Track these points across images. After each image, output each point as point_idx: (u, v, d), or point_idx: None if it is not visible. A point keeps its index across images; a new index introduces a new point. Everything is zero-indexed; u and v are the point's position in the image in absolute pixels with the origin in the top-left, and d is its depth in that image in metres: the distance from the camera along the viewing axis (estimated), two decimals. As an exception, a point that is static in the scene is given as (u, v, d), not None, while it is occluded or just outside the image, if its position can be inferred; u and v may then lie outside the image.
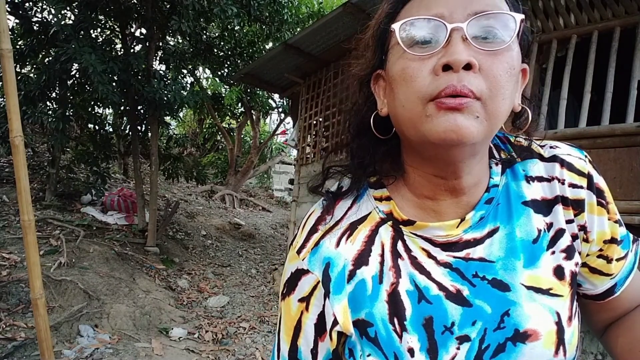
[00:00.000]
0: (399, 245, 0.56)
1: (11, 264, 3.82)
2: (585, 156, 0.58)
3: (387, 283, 0.55)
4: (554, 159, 0.57)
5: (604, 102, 2.88)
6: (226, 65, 7.92)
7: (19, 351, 2.89)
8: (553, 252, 0.54)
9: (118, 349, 3.17)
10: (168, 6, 5.46)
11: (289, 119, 10.08)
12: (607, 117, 2.84)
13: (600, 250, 0.57)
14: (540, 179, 0.57)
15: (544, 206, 0.56)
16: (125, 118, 6.70)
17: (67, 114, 5.19)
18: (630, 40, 2.91)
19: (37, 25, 5.05)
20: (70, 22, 4.84)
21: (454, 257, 0.55)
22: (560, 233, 0.55)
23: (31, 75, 5.17)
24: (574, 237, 0.56)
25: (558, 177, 0.56)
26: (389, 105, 0.54)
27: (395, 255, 0.56)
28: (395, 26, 0.50)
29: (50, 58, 5.10)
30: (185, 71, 8.29)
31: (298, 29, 7.37)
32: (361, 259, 0.56)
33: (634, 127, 2.66)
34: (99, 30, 5.92)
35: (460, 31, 0.46)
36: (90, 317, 3.52)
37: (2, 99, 6.00)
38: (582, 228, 0.56)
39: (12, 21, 5.33)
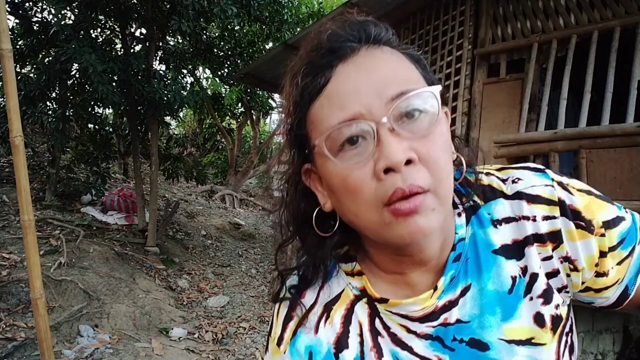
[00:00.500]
0: (377, 322, 0.55)
1: (11, 264, 3.82)
2: (552, 180, 0.53)
3: None
4: (518, 195, 0.53)
5: (604, 102, 2.88)
6: (226, 65, 7.92)
7: (19, 351, 2.89)
8: (531, 299, 0.52)
9: (118, 349, 3.17)
10: (168, 6, 5.45)
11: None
12: (607, 117, 2.84)
13: (596, 272, 0.53)
14: (507, 220, 0.53)
15: (516, 249, 0.53)
16: (125, 118, 6.70)
17: (67, 114, 5.19)
18: (630, 40, 2.91)
19: (37, 25, 5.05)
20: (70, 22, 4.84)
21: (433, 326, 0.53)
22: (534, 277, 0.52)
23: (31, 75, 5.17)
24: (553, 274, 0.53)
25: (527, 216, 0.52)
26: (335, 207, 0.52)
27: (375, 333, 0.55)
28: (318, 142, 0.47)
29: (50, 58, 5.10)
30: (185, 71, 8.29)
31: (298, 29, 7.37)
32: (341, 343, 0.55)
33: (634, 127, 2.66)
34: (99, 30, 5.92)
35: (386, 124, 0.44)
36: (90, 317, 3.52)
37: (2, 99, 6.00)
38: (566, 259, 0.52)
39: (12, 21, 5.33)
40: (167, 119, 6.25)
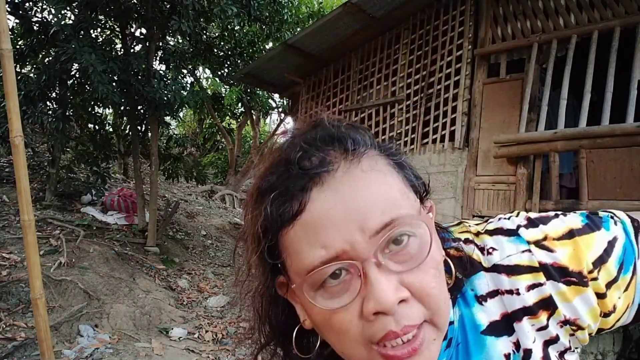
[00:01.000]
0: None
1: (11, 264, 3.82)
2: (528, 242, 0.49)
3: None
4: (495, 269, 0.49)
5: (604, 102, 2.88)
6: (226, 65, 7.92)
7: (19, 351, 2.89)
8: None
9: (118, 349, 3.17)
10: (168, 6, 5.46)
11: (289, 119, 10.08)
12: (607, 117, 2.84)
13: (603, 314, 0.49)
14: (491, 294, 0.50)
15: (505, 324, 0.49)
16: (125, 118, 6.70)
17: (67, 114, 5.19)
18: (630, 40, 2.91)
19: (37, 25, 5.05)
20: (70, 22, 4.84)
21: None
22: (528, 353, 0.49)
23: (31, 75, 5.17)
24: (552, 342, 0.49)
25: (510, 290, 0.49)
26: (317, 330, 0.47)
27: None
28: (296, 282, 0.43)
29: (50, 58, 5.11)
30: (185, 71, 8.29)
31: (298, 29, 7.37)
32: None
33: (634, 127, 2.66)
34: (99, 30, 5.93)
35: (372, 260, 0.40)
36: (90, 317, 3.52)
37: (2, 99, 6.00)
38: (566, 322, 0.48)
39: (12, 21, 5.33)
40: (167, 119, 6.26)
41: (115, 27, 5.86)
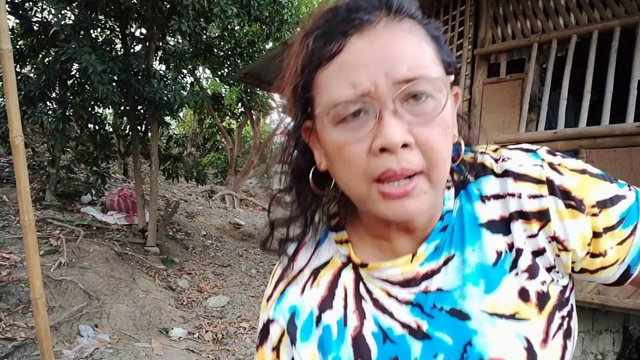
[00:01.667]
0: (361, 287, 0.56)
1: (11, 264, 3.82)
2: (542, 160, 0.53)
3: (351, 327, 0.55)
4: (505, 174, 0.53)
5: (604, 102, 2.88)
6: (226, 65, 7.92)
7: (19, 351, 2.89)
8: (516, 274, 0.51)
9: (118, 349, 3.17)
10: (168, 6, 5.46)
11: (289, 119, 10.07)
12: (607, 117, 2.84)
13: (588, 252, 0.52)
14: (495, 196, 0.53)
15: (502, 226, 0.52)
16: (125, 118, 6.69)
17: (67, 114, 5.19)
18: (630, 40, 2.91)
19: (37, 25, 5.05)
20: (70, 22, 4.84)
21: (414, 292, 0.54)
22: (519, 253, 0.52)
23: (31, 75, 5.17)
24: (539, 253, 0.52)
25: (512, 193, 0.52)
26: (329, 168, 0.53)
27: (359, 298, 0.56)
28: (321, 111, 0.48)
29: (50, 58, 5.10)
30: (185, 71, 8.28)
31: (298, 29, 7.36)
32: (326, 304, 0.57)
33: (634, 127, 2.66)
34: (99, 30, 5.92)
35: (390, 106, 0.44)
36: (90, 317, 3.52)
37: (2, 99, 6.00)
38: (554, 239, 0.51)
39: (12, 21, 5.33)
40: (167, 119, 6.26)
41: (115, 27, 5.86)
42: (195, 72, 9.83)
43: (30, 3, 5.25)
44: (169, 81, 5.51)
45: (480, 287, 0.51)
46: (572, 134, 2.93)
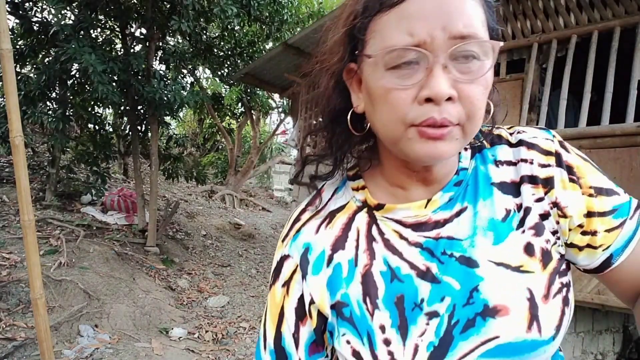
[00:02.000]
0: (374, 229, 0.59)
1: (11, 264, 3.82)
2: (554, 136, 0.59)
3: (361, 265, 0.57)
4: (520, 143, 0.59)
5: (604, 102, 2.88)
6: (226, 65, 7.92)
7: (19, 351, 2.89)
8: (523, 231, 0.55)
9: (118, 349, 3.17)
10: (168, 6, 5.45)
11: (289, 119, 10.08)
12: (607, 117, 2.84)
13: (581, 225, 0.56)
14: (508, 163, 0.59)
15: (513, 188, 0.57)
16: (125, 118, 6.69)
17: (67, 114, 5.19)
18: (630, 40, 2.91)
19: (37, 25, 5.05)
20: (70, 22, 4.84)
21: (425, 237, 0.57)
22: (527, 211, 0.56)
23: (31, 75, 5.17)
24: (544, 216, 0.56)
25: (525, 159, 0.58)
26: (367, 110, 0.55)
27: (370, 239, 0.59)
28: (376, 54, 0.50)
29: (50, 58, 5.10)
30: (185, 71, 8.28)
31: (298, 29, 7.37)
32: (338, 244, 0.59)
33: (634, 127, 2.66)
34: (99, 30, 5.92)
35: (441, 59, 0.47)
36: (90, 317, 3.52)
37: (2, 99, 6.00)
38: (555, 205, 0.56)
39: (12, 21, 5.33)
40: (167, 119, 6.25)
41: (115, 27, 5.86)
42: (195, 72, 9.83)
43: (30, 3, 5.25)
44: (169, 81, 5.51)
45: (489, 238, 0.55)
46: (572, 134, 2.93)
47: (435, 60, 0.47)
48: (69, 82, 5.23)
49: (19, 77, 4.77)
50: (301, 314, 0.60)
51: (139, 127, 5.80)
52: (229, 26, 6.74)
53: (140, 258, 4.98)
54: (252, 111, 10.29)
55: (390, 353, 0.52)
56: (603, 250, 0.57)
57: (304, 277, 0.60)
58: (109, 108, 6.85)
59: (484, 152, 0.61)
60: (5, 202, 5.14)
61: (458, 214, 0.57)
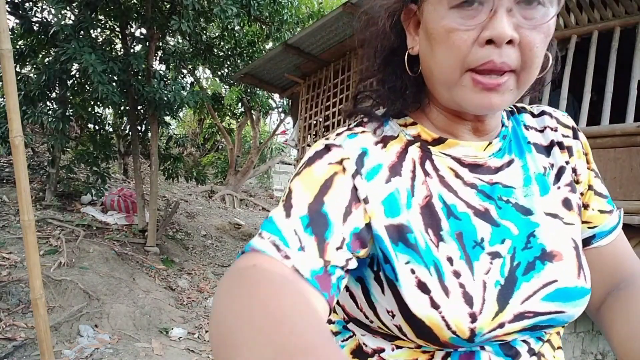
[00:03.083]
0: (427, 164, 0.57)
1: (11, 264, 3.82)
2: (568, 115, 0.64)
3: (419, 196, 0.54)
4: (543, 113, 0.63)
5: (604, 102, 2.88)
6: (226, 66, 7.91)
7: (19, 351, 2.89)
8: (559, 187, 0.58)
9: (118, 349, 3.17)
10: (168, 6, 5.46)
11: (289, 119, 10.08)
12: (607, 117, 2.84)
13: (582, 194, 0.61)
14: (534, 129, 0.62)
15: (544, 149, 0.61)
16: (125, 118, 6.69)
17: (67, 114, 5.19)
18: (630, 40, 2.91)
19: (37, 25, 5.05)
20: (70, 22, 4.84)
21: (480, 179, 0.57)
22: (562, 170, 0.59)
23: (31, 75, 5.17)
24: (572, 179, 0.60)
25: (550, 126, 0.62)
26: (422, 52, 0.54)
27: (425, 173, 0.56)
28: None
29: (50, 58, 5.10)
30: (185, 71, 8.28)
31: (298, 29, 7.37)
32: (395, 170, 0.55)
33: (634, 127, 2.66)
34: (99, 30, 5.92)
35: (506, 2, 0.47)
36: (90, 317, 3.52)
37: (2, 99, 6.00)
38: (574, 170, 0.60)
39: (12, 21, 5.33)
40: (167, 119, 6.25)
41: (115, 27, 5.86)
42: (195, 72, 9.83)
43: (30, 3, 5.25)
44: (169, 81, 5.51)
45: (537, 190, 0.57)
46: (572, 134, 2.93)
47: (500, 3, 0.46)
48: (69, 82, 5.23)
49: (19, 77, 4.77)
50: (355, 199, 0.51)
51: (139, 127, 5.80)
52: (229, 26, 6.74)
53: (140, 258, 4.98)
54: (252, 111, 10.29)
55: (462, 285, 0.50)
56: (589, 227, 0.61)
57: (359, 173, 0.52)
58: (109, 108, 6.85)
59: (515, 116, 0.64)
60: (5, 202, 5.14)
61: (508, 164, 0.58)
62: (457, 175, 0.56)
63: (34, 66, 5.70)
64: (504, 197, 0.56)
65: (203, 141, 13.93)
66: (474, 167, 0.57)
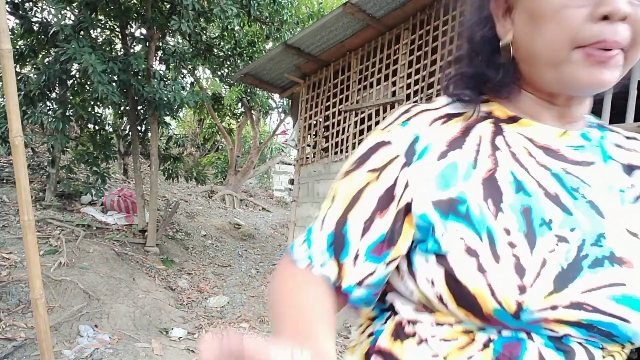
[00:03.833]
0: (499, 139, 0.56)
1: (11, 264, 3.82)
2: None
3: (482, 169, 0.54)
4: (635, 138, 0.61)
5: (604, 102, 2.88)
6: (226, 66, 7.92)
7: (19, 351, 2.89)
8: (636, 208, 0.55)
9: (118, 349, 3.17)
10: (168, 6, 5.46)
11: (289, 119, 10.08)
12: (607, 117, 2.84)
13: None
14: (621, 147, 0.60)
15: (627, 169, 0.58)
16: (125, 118, 6.70)
17: (67, 114, 5.19)
18: (630, 41, 2.91)
19: (37, 25, 5.05)
20: (70, 22, 4.84)
21: (554, 164, 0.55)
22: None
23: (31, 75, 5.17)
24: None
25: (638, 151, 0.59)
26: (521, 35, 0.53)
27: (494, 147, 0.55)
28: None
29: (50, 58, 5.10)
30: (185, 71, 8.29)
31: (298, 29, 7.37)
32: (455, 143, 0.55)
33: (634, 127, 2.66)
34: (99, 30, 5.92)
35: None
36: (90, 317, 3.52)
37: (2, 99, 6.00)
38: None
39: (12, 21, 5.34)
40: (167, 119, 6.25)
41: (115, 27, 5.86)
42: (195, 72, 9.83)
43: (30, 3, 5.25)
44: (169, 81, 5.51)
45: (615, 198, 0.54)
46: (572, 134, 2.93)
47: None
48: (69, 82, 5.23)
49: (19, 77, 4.77)
50: (383, 205, 0.54)
51: (139, 127, 5.80)
52: (229, 26, 6.73)
53: (140, 258, 4.98)
54: (252, 111, 10.29)
55: (516, 257, 0.48)
56: None
57: (407, 164, 0.54)
58: (109, 108, 6.85)
59: (603, 130, 0.62)
60: (5, 202, 5.14)
61: (589, 164, 0.56)
62: (530, 154, 0.55)
63: (34, 66, 5.70)
64: (580, 191, 0.54)
65: (203, 141, 13.93)
66: (547, 150, 0.56)
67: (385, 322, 0.59)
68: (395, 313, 0.58)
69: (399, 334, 0.56)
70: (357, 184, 0.56)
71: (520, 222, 0.50)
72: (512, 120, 0.57)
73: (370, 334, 0.60)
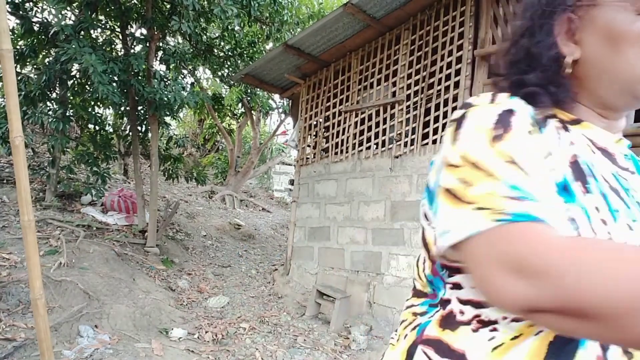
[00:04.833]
0: (568, 135, 0.59)
1: (11, 264, 3.81)
2: None
3: (566, 154, 0.57)
4: None
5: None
6: (226, 66, 7.92)
7: (19, 351, 2.89)
8: None
9: (118, 350, 3.17)
10: (168, 6, 5.46)
11: (289, 120, 10.08)
12: (607, 117, 2.84)
13: None
14: None
15: None
16: (125, 118, 6.70)
17: (67, 114, 5.19)
18: (631, 41, 2.91)
19: (37, 25, 5.05)
20: (71, 22, 4.85)
21: (611, 164, 0.60)
22: None
23: (31, 75, 5.18)
24: None
25: None
26: (595, 55, 0.57)
27: (569, 139, 0.59)
28: (616, 3, 0.54)
29: (51, 58, 5.11)
30: (185, 71, 8.29)
31: (298, 30, 7.37)
32: (539, 124, 0.57)
33: (634, 127, 2.66)
34: (99, 30, 5.93)
35: None
36: (90, 318, 3.52)
37: (2, 99, 6.01)
38: None
39: (12, 21, 5.34)
40: (167, 119, 6.26)
41: (116, 27, 5.86)
42: (196, 72, 9.83)
43: (31, 3, 5.26)
44: (169, 81, 5.51)
45: None
46: (572, 134, 2.94)
47: None
48: (69, 83, 5.24)
49: (19, 78, 4.78)
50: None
51: (139, 128, 5.80)
52: (229, 27, 6.75)
53: (140, 258, 4.98)
54: (252, 112, 10.30)
55: (609, 233, 0.53)
56: None
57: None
58: (109, 108, 6.85)
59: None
60: (5, 202, 5.14)
61: (631, 172, 0.62)
62: (593, 152, 0.59)
63: (34, 66, 5.71)
64: (631, 193, 0.58)
65: (203, 142, 13.94)
66: (605, 152, 0.60)
67: (432, 316, 0.61)
68: (444, 307, 0.59)
69: (449, 323, 0.58)
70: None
71: (606, 202, 0.55)
72: (575, 122, 0.61)
73: (415, 327, 0.62)
